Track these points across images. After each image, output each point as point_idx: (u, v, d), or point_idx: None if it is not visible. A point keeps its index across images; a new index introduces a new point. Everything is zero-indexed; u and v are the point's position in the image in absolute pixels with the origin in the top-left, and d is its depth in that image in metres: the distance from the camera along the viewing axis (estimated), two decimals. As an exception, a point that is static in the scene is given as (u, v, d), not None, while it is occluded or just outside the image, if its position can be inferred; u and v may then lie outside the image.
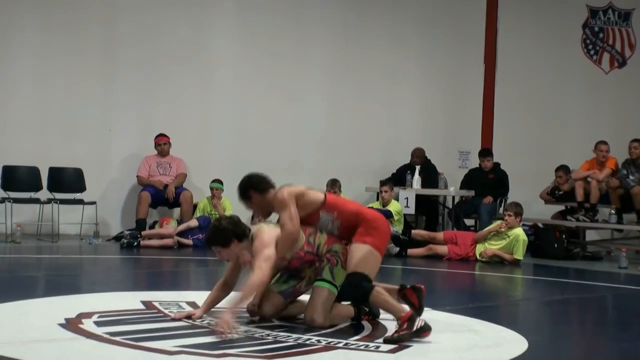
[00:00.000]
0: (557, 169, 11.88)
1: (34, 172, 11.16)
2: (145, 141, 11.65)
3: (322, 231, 5.21)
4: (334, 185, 11.29)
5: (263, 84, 12.57)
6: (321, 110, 12.90)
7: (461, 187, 12.32)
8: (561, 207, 11.92)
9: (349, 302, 5.30)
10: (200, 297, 5.40)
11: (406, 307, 5.06)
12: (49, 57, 11.65)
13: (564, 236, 11.07)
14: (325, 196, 5.29)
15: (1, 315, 5.14)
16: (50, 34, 11.65)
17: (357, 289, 4.99)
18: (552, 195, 11.90)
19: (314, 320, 4.99)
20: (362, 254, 5.06)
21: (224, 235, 5.02)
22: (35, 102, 11.61)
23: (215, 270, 8.06)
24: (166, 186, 11.28)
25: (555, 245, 10.98)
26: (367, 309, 5.34)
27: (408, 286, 5.34)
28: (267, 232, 5.06)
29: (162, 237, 10.52)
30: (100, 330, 4.66)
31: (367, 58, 13.05)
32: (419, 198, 11.61)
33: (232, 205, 10.63)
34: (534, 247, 10.99)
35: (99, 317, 5.05)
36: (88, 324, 4.81)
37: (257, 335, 4.74)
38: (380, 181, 11.59)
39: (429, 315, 5.29)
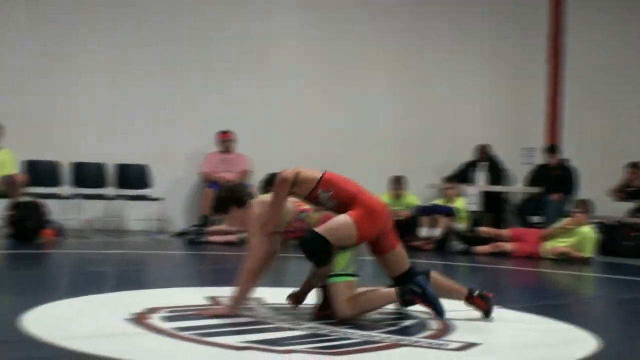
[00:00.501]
0: (629, 165, 11.64)
1: (101, 168, 11.35)
2: (209, 138, 11.74)
3: (318, 211, 5.10)
4: (397, 182, 11.21)
5: (326, 81, 12.60)
6: (384, 108, 12.89)
7: (526, 184, 12.15)
8: (632, 204, 11.67)
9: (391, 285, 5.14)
10: (266, 292, 5.40)
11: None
12: (115, 56, 11.80)
13: (635, 233, 10.83)
14: (324, 174, 5.13)
15: (71, 310, 5.21)
16: (117, 32, 11.80)
17: (310, 243, 4.88)
18: (624, 192, 11.66)
19: (339, 318, 4.92)
20: (336, 220, 4.95)
21: (222, 202, 5.21)
22: (102, 100, 11.78)
23: (281, 266, 8.05)
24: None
25: (627, 243, 10.75)
26: (418, 290, 4.99)
27: (475, 294, 5.28)
28: (254, 213, 5.04)
29: (226, 233, 10.59)
30: (167, 325, 4.68)
31: (429, 57, 13.06)
32: (485, 195, 11.49)
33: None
34: (604, 244, 10.77)
35: (165, 312, 5.08)
36: (155, 319, 4.85)
37: (322, 331, 4.71)
38: (444, 178, 11.48)
39: (496, 313, 5.26)
